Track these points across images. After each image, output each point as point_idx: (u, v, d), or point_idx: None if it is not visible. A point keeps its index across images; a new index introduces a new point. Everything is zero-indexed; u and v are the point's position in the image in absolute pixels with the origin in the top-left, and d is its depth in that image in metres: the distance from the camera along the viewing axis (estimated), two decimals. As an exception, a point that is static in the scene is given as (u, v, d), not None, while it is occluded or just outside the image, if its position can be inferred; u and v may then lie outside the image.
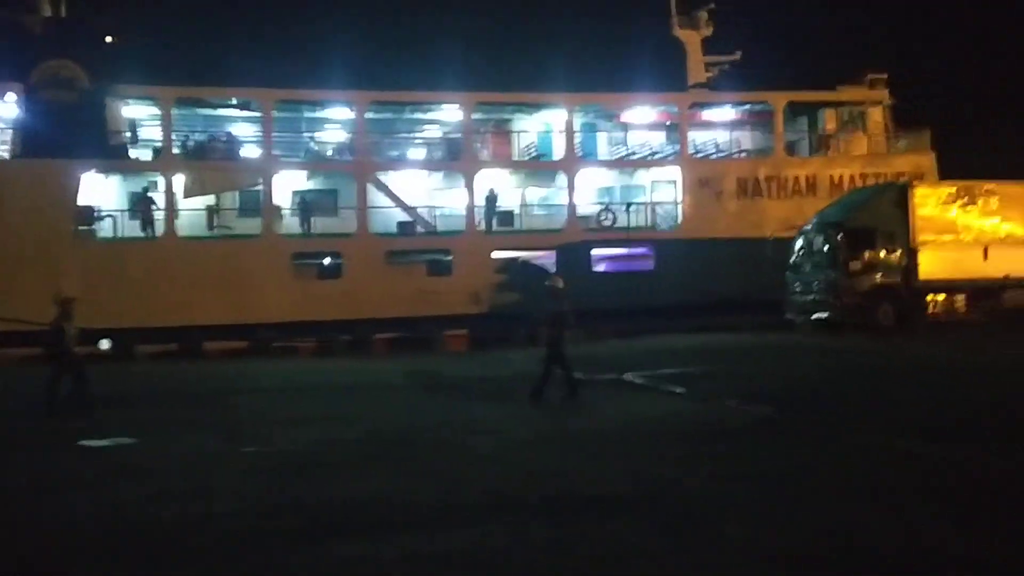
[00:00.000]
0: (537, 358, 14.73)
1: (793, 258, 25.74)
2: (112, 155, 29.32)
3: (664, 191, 33.84)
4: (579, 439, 11.03)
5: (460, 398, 15.41)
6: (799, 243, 25.73)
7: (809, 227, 25.82)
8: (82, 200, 28.69)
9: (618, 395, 15.04)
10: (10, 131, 29.05)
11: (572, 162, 33.04)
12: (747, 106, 35.10)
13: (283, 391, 17.28)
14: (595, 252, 31.99)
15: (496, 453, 10.29)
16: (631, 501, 7.87)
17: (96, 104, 28.86)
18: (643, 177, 34.44)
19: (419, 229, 31.66)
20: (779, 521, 7.09)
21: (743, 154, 34.90)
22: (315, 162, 32.40)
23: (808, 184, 33.29)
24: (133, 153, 30.50)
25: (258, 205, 30.44)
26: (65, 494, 8.75)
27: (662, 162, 34.02)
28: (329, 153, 33.44)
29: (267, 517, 7.60)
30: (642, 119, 35.34)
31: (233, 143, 31.43)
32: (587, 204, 33.22)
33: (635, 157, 34.42)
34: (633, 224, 33.00)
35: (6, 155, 28.95)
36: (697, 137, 34.56)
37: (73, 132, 27.84)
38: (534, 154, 34.41)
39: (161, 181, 29.70)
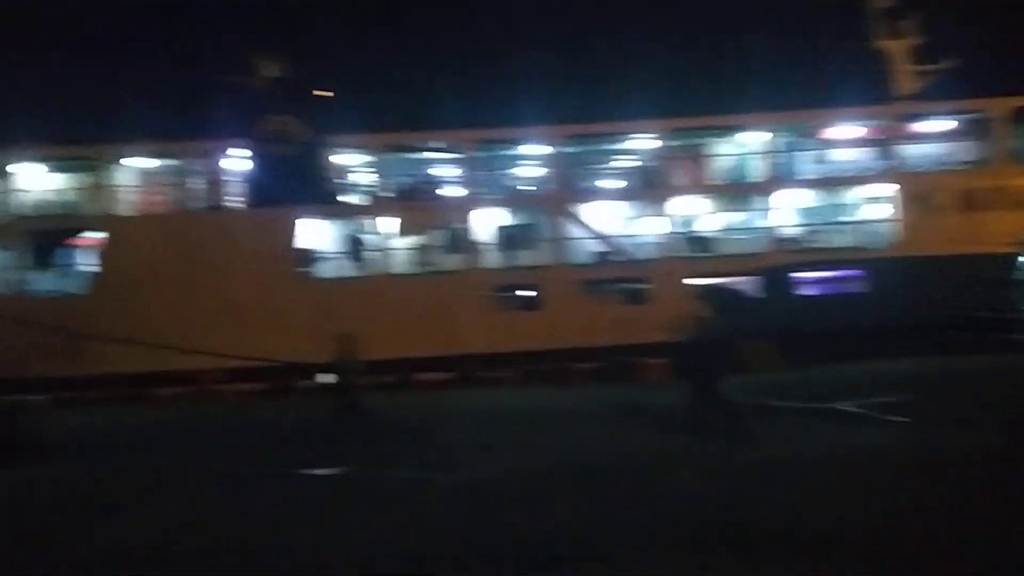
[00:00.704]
0: (736, 389, 14.37)
1: (1021, 274, 23.69)
2: (327, 201, 31.49)
3: (874, 208, 32.16)
4: (788, 471, 10.64)
5: (661, 428, 15.25)
6: (1028, 258, 23.67)
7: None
8: (304, 243, 30.98)
9: (830, 425, 14.38)
10: (241, 183, 31.90)
11: (771, 183, 32.15)
12: (964, 114, 32.79)
13: (486, 420, 17.76)
14: (799, 275, 30.85)
15: (701, 485, 10.12)
16: (854, 541, 7.47)
17: (313, 155, 31.19)
18: (849, 195, 32.92)
19: (615, 258, 31.79)
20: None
21: (962, 165, 32.56)
22: (514, 197, 33.36)
23: (1039, 195, 30.57)
24: (346, 198, 32.61)
25: (461, 241, 31.68)
26: (281, 523, 9.23)
27: (872, 178, 32.36)
28: (527, 188, 34.32)
29: (473, 545, 7.86)
30: (845, 135, 33.82)
31: (436, 184, 33.00)
32: (788, 226, 32.17)
33: (840, 175, 32.97)
34: (839, 244, 31.59)
35: (240, 205, 31.78)
36: (910, 150, 32.63)
37: (293, 182, 30.25)
38: (730, 177, 33.75)
39: (372, 223, 31.57)
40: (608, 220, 32.37)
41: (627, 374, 26.46)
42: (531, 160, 34.53)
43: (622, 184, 34.49)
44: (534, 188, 34.18)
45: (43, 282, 31.04)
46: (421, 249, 31.92)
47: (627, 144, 34.38)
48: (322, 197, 31.24)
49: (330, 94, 31.11)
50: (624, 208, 33.13)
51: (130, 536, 8.89)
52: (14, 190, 31.32)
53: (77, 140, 31.14)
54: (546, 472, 11.41)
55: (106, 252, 30.60)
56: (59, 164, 32.31)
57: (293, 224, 30.69)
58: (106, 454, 15.32)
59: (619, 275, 31.28)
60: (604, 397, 20.83)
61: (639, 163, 34.53)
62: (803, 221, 32.59)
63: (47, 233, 30.87)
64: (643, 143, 33.76)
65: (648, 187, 33.03)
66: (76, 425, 17.68)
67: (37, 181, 32.18)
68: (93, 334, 28.74)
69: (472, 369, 27.32)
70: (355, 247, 31.49)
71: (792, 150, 33.47)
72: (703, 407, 13.67)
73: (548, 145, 32.59)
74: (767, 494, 9.48)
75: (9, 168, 31.31)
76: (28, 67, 31.69)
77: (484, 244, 32.08)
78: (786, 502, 9.02)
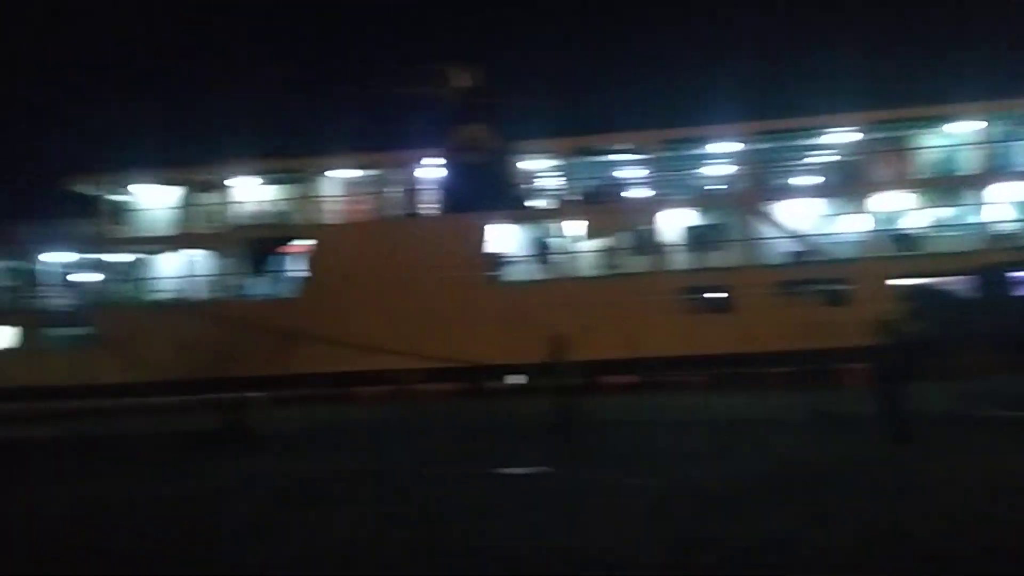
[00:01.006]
0: (946, 394, 13.50)
1: None
2: (516, 206, 32.13)
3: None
4: (971, 490, 9.90)
5: (865, 436, 14.54)
6: None
7: None
8: (491, 248, 31.80)
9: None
10: (435, 191, 33.15)
11: (984, 176, 29.90)
12: None
13: (679, 424, 17.57)
14: (1016, 274, 28.46)
15: (916, 496, 9.59)
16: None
17: (501, 161, 31.96)
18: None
19: (812, 258, 30.56)
20: None
21: None
22: (702, 197, 32.78)
23: None
24: (534, 203, 33.15)
25: (648, 243, 31.47)
26: (477, 521, 9.48)
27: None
28: (716, 187, 33.64)
29: (679, 553, 7.81)
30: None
31: (622, 186, 32.95)
32: (1003, 221, 29.79)
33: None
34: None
35: (434, 212, 33.04)
36: None
37: (483, 188, 31.14)
38: (937, 171, 31.65)
39: (559, 226, 31.95)
40: (804, 219, 31.18)
41: (824, 379, 25.40)
42: (720, 159, 33.82)
43: (819, 181, 33.12)
44: (724, 187, 33.43)
45: (257, 287, 33.52)
46: (608, 252, 31.97)
47: (824, 139, 33.00)
48: (511, 202, 31.93)
49: (524, 101, 31.62)
50: (821, 206, 31.81)
51: (344, 527, 9.45)
52: (231, 202, 33.96)
53: (287, 154, 33.43)
54: (755, 478, 11.17)
55: (313, 258, 32.66)
56: (271, 177, 34.80)
57: (484, 229, 31.54)
58: (319, 449, 16.34)
59: (815, 276, 30.05)
60: (801, 403, 20.09)
61: (837, 158, 33.04)
62: (1020, 216, 30.08)
63: (261, 241, 33.31)
64: (842, 137, 32.28)
65: (847, 183, 31.56)
66: (290, 421, 18.95)
67: (251, 193, 34.79)
68: (302, 335, 30.78)
69: (658, 373, 27.07)
70: (543, 251, 31.98)
71: (1009, 140, 30.97)
72: (893, 415, 13.10)
73: (738, 143, 31.79)
74: (992, 505, 8.86)
75: (227, 182, 34.01)
76: (242, 87, 34.28)
77: (672, 246, 31.72)
78: (967, 525, 8.38)
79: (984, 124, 30.25)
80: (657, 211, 31.43)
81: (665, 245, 31.33)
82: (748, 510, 9.40)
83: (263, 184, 35.09)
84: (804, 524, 8.62)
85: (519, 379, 29.85)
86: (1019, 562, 7.15)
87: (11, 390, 31.84)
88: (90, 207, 34.76)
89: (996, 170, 30.17)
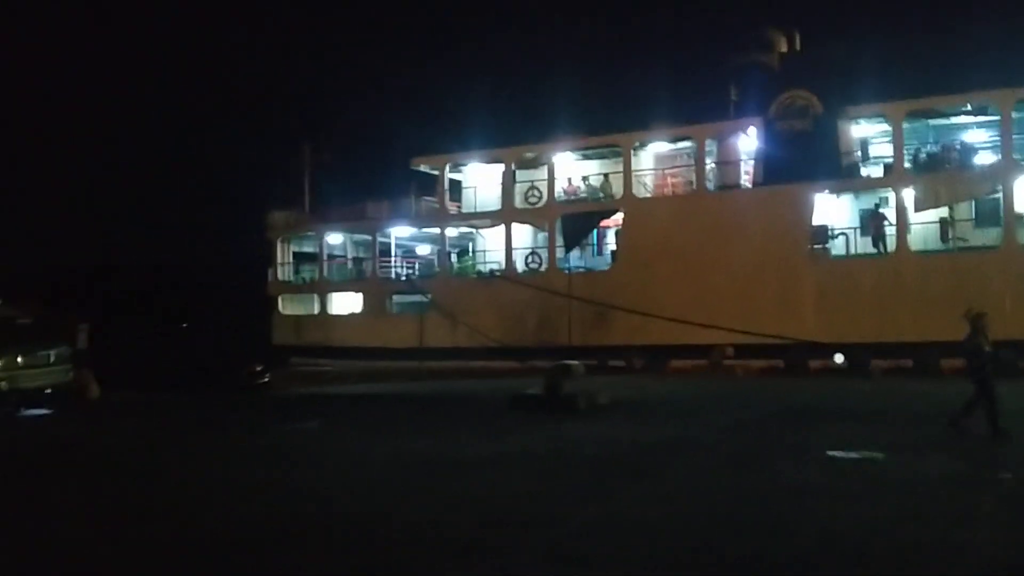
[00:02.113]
0: None
1: None
2: (843, 175, 30.20)
3: None
4: None
5: None
6: None
7: None
8: (816, 220, 30.19)
9: None
10: (751, 161, 32.08)
11: None
12: None
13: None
14: None
15: None
16: None
17: (828, 128, 30.15)
18: None
19: None
20: None
21: None
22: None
23: None
24: (864, 171, 30.96)
25: (997, 214, 28.24)
26: (808, 502, 9.12)
27: None
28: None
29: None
30: None
31: (967, 151, 29.72)
32: None
33: None
34: None
35: (748, 184, 32.04)
36: None
37: (807, 157, 29.59)
38: None
39: (892, 197, 29.59)
40: None
41: None
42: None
43: None
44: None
45: (574, 259, 34.61)
46: (949, 224, 29.12)
47: None
48: (837, 171, 30.08)
49: (851, 63, 29.43)
50: None
51: (656, 499, 9.52)
52: (551, 179, 35.22)
53: (603, 129, 34.00)
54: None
55: (626, 232, 33.06)
56: (588, 152, 35.64)
57: (806, 200, 30.04)
58: (634, 418, 16.58)
59: None
60: None
61: None
62: None
63: (579, 216, 34.29)
64: None
65: None
66: (609, 390, 19.37)
67: (569, 169, 35.86)
68: (616, 307, 31.36)
69: (1012, 358, 24.21)
70: (874, 223, 29.76)
71: None
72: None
73: None
74: None
75: (547, 159, 35.32)
76: (563, 66, 35.32)
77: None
78: None
79: None
80: (1009, 178, 28.03)
81: (1017, 216, 27.90)
82: None
83: (580, 160, 36.04)
84: None
85: (842, 358, 28.31)
86: None
87: (357, 349, 35.74)
88: (431, 185, 37.87)
89: None
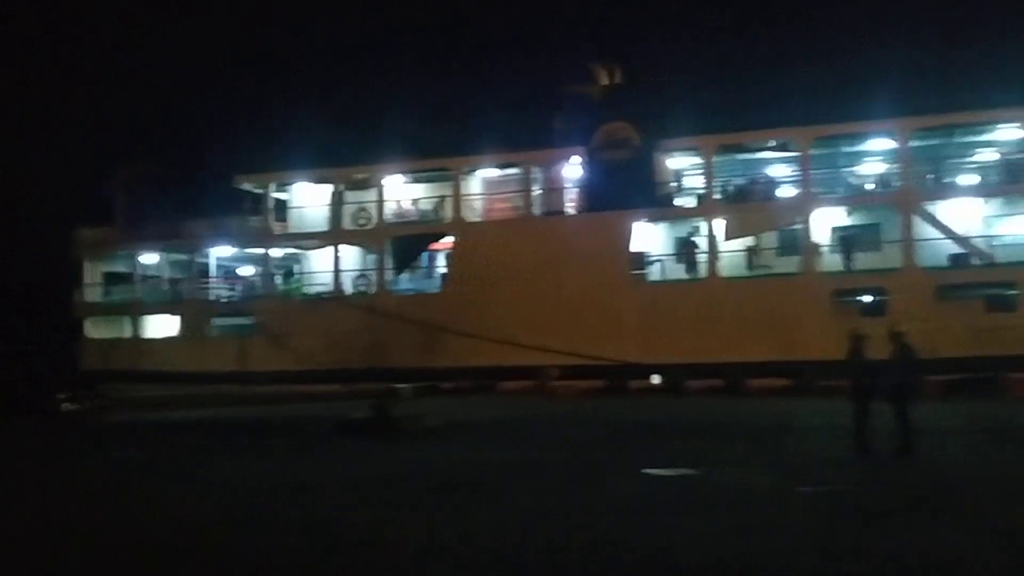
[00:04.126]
0: None
1: None
2: (660, 204, 31.80)
3: None
4: None
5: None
6: None
7: None
8: (635, 247, 31.59)
9: None
10: (576, 190, 33.22)
11: None
12: None
13: (828, 430, 17.00)
14: None
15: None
16: None
17: (646, 159, 31.69)
18: None
19: (975, 261, 28.89)
20: None
21: None
22: (855, 196, 31.50)
23: None
24: (678, 201, 32.72)
25: (797, 243, 30.53)
26: (622, 520, 9.38)
27: None
28: (869, 186, 32.24)
29: (834, 559, 7.62)
30: None
31: (771, 184, 32.06)
32: None
33: None
34: None
35: (573, 210, 33.11)
36: None
37: (626, 186, 30.97)
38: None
39: (704, 226, 31.42)
40: (965, 220, 29.48)
41: (989, 388, 24.03)
42: (876, 156, 32.38)
43: (983, 179, 31.20)
44: (879, 186, 31.97)
45: (404, 282, 34.55)
46: (754, 252, 31.21)
47: (989, 135, 31.07)
48: (654, 201, 31.62)
49: (670, 98, 31.07)
50: (985, 206, 30.00)
51: (497, 519, 9.64)
52: (380, 201, 35.03)
53: (434, 153, 34.18)
54: (908, 485, 10.75)
55: (456, 255, 33.36)
56: (419, 176, 35.74)
57: (625, 228, 31.37)
58: (469, 440, 16.70)
59: (980, 280, 28.40)
60: (963, 412, 19.11)
61: (1004, 156, 31.03)
62: None
63: (408, 238, 34.28)
64: (1009, 133, 30.31)
65: (1015, 182, 29.60)
66: (436, 413, 19.43)
67: (400, 191, 35.83)
68: (446, 330, 31.52)
69: (810, 377, 26.19)
70: (686, 250, 31.53)
71: None
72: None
73: (895, 139, 30.35)
74: None
75: (377, 181, 35.12)
76: (392, 90, 35.35)
77: (822, 246, 30.65)
78: None
79: None
80: (807, 210, 30.41)
81: (816, 246, 30.31)
82: (894, 518, 9.04)
83: (411, 183, 36.08)
84: (959, 537, 8.22)
85: (659, 379, 29.61)
86: None
87: (174, 374, 34.04)
88: (254, 204, 36.70)
89: None
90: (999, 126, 30.15)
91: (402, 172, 35.44)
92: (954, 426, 17.08)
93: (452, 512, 10.04)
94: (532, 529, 9.05)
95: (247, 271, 38.71)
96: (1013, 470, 12.24)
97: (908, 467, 12.56)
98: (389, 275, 34.23)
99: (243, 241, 36.77)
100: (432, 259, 35.32)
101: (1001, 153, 31.12)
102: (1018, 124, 29.37)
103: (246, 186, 36.77)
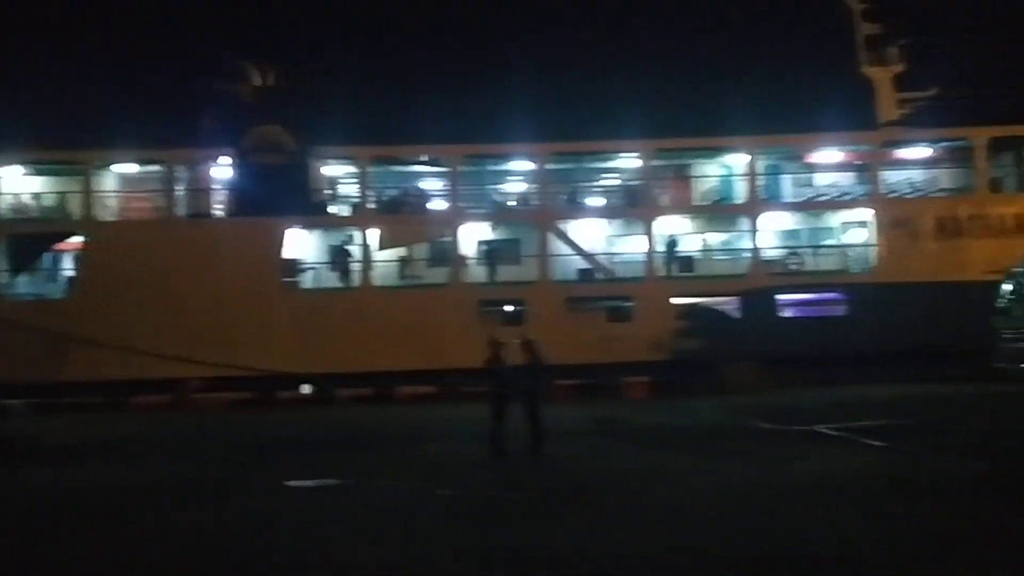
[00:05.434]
0: (720, 408, 14.47)
1: (1002, 302, 23.95)
2: (314, 212, 31.40)
3: (856, 233, 32.59)
4: (772, 493, 10.76)
5: (645, 446, 15.36)
6: (1008, 286, 23.91)
7: (1020, 269, 23.98)
8: (288, 253, 30.88)
9: (811, 448, 14.49)
10: (224, 192, 31.76)
11: (755, 205, 32.42)
12: (945, 143, 33.30)
13: (470, 435, 17.74)
14: (781, 297, 31.13)
15: (686, 505, 10.19)
16: (846, 561, 7.60)
17: (300, 165, 31.13)
18: (832, 219, 33.33)
19: (599, 276, 31.94)
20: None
21: (942, 192, 33.06)
22: (498, 213, 33.43)
23: (1017, 223, 31.06)
24: (332, 209, 32.54)
25: (446, 255, 31.69)
26: (269, 535, 9.20)
27: (853, 203, 32.73)
28: (512, 204, 34.42)
29: (479, 563, 7.87)
30: (829, 160, 34.22)
31: (422, 197, 33.03)
32: (772, 248, 32.51)
33: (823, 199, 33.34)
34: (822, 268, 31.99)
35: (221, 214, 31.63)
36: (891, 176, 33.13)
37: (279, 192, 30.13)
38: (715, 199, 34.04)
39: (357, 235, 31.53)
40: (593, 238, 32.52)
41: (608, 392, 26.53)
42: (518, 176, 34.65)
43: (607, 202, 34.63)
44: (520, 204, 34.27)
45: (24, 286, 30.81)
46: (405, 262, 31.91)
47: (613, 163, 34.58)
48: (307, 208, 31.15)
49: (326, 105, 30.81)
50: (609, 226, 33.28)
51: (108, 543, 8.84)
52: (-3, 193, 30.96)
53: (61, 144, 30.80)
54: (530, 486, 11.46)
55: (87, 257, 30.36)
56: (42, 168, 32.05)
57: (279, 234, 30.58)
58: (86, 462, 15.16)
59: (603, 293, 31.41)
60: (588, 414, 20.90)
61: (624, 182, 34.70)
62: (786, 244, 32.90)
63: (28, 236, 30.60)
64: (628, 162, 33.96)
65: (633, 206, 33.18)
66: (57, 432, 17.48)
67: (19, 184, 31.92)
68: (74, 339, 28.52)
69: (455, 384, 27.19)
70: (340, 259, 31.43)
71: (777, 173, 33.78)
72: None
73: (534, 162, 32.72)
74: (756, 513, 9.57)
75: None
76: (13, 69, 31.37)
77: (469, 258, 32.11)
78: (776, 522, 9.11)
79: (754, 157, 32.72)
80: (456, 224, 31.71)
81: (462, 258, 31.67)
82: (529, 517, 9.64)
83: (33, 175, 32.27)
84: (584, 531, 8.95)
85: (309, 388, 29.10)
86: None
87: None
88: None
89: (765, 200, 32.77)
90: (621, 155, 33.65)
91: (21, 163, 31.53)
92: (580, 427, 18.58)
93: (49, 543, 9.01)
94: (141, 554, 8.38)
95: None
96: (629, 464, 13.54)
97: (539, 466, 13.45)
98: (4, 277, 30.30)
99: None
100: (57, 261, 31.80)
101: (622, 179, 34.81)
102: (636, 154, 32.94)
103: None
